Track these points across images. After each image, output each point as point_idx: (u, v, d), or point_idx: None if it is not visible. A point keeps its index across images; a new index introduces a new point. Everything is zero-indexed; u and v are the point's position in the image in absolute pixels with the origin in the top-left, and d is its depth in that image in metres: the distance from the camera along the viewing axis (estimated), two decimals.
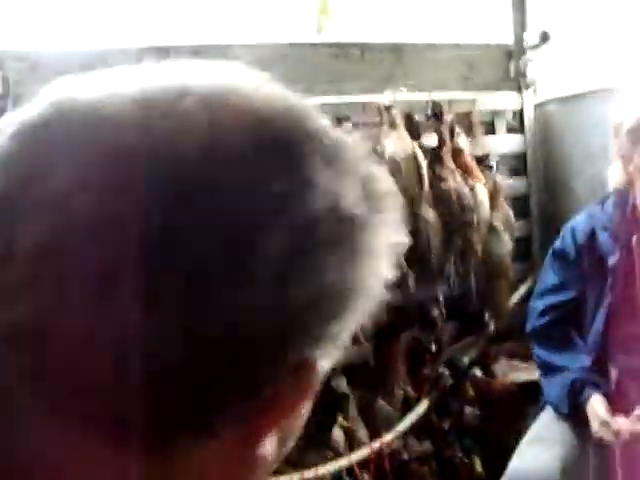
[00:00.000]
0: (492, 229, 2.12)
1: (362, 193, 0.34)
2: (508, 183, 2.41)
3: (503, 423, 2.05)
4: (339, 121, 2.01)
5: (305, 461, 1.94)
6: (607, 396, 1.51)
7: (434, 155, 2.06)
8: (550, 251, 1.77)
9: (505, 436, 2.03)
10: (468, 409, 2.10)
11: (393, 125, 2.05)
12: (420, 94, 2.22)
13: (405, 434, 2.05)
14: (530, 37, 2.47)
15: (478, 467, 2.13)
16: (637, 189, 1.54)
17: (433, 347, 2.12)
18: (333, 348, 0.35)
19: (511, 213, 2.23)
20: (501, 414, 1.98)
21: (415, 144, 2.04)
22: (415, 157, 1.99)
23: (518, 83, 2.50)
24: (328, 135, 0.34)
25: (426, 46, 2.40)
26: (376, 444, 1.98)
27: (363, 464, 1.99)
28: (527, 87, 2.49)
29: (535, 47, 2.47)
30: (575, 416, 1.55)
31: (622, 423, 1.44)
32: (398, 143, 2.01)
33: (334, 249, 0.32)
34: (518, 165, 2.51)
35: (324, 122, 0.35)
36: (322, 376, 0.37)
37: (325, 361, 0.36)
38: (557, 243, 1.75)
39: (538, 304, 1.75)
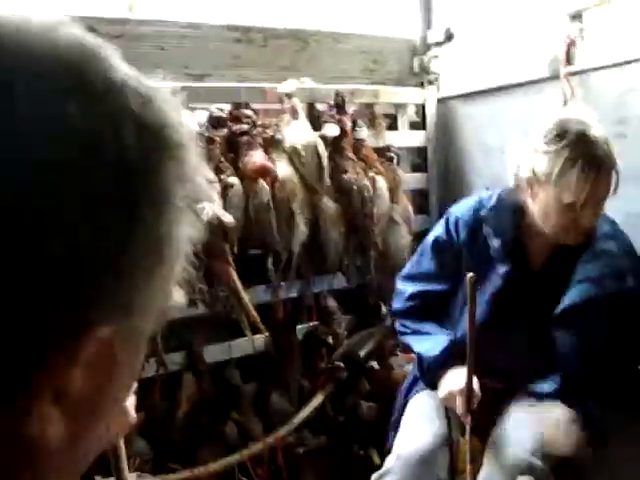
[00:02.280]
0: (391, 222, 2.12)
1: (149, 141, 0.33)
2: (409, 177, 2.43)
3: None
4: (238, 107, 1.96)
5: (197, 457, 1.88)
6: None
7: (335, 146, 2.03)
8: (431, 238, 1.75)
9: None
10: (364, 402, 2.10)
11: (294, 114, 2.01)
12: (323, 84, 2.19)
13: (300, 428, 2.02)
14: (434, 34, 2.50)
15: (375, 459, 2.14)
16: (530, 208, 1.57)
17: (330, 340, 2.10)
18: (141, 321, 0.35)
19: (410, 207, 2.25)
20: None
21: (316, 134, 2.01)
22: (316, 147, 1.95)
23: (421, 78, 2.52)
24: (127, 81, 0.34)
25: (331, 35, 2.37)
26: (270, 439, 1.94)
27: (257, 459, 1.95)
28: (430, 83, 2.52)
29: (439, 44, 2.50)
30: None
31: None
32: (299, 132, 1.97)
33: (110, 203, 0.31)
34: (419, 160, 2.54)
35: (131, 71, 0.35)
36: (138, 353, 0.38)
37: (138, 337, 0.36)
38: (440, 232, 1.73)
39: (408, 287, 1.75)
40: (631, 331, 1.53)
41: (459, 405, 1.52)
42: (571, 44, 1.99)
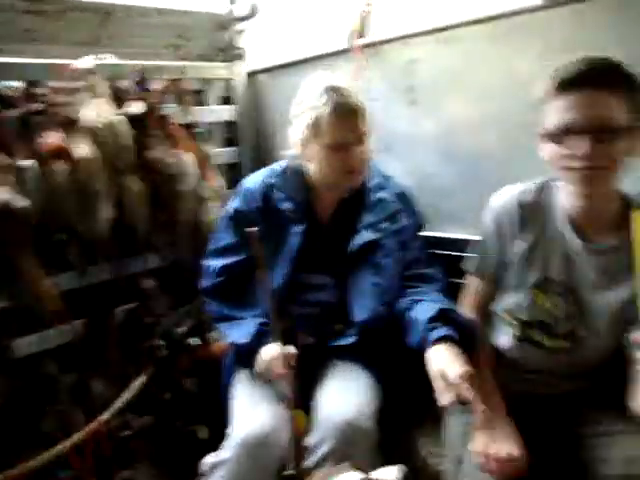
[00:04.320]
0: (200, 198, 2.12)
1: None
2: (220, 152, 2.44)
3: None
4: (33, 85, 1.85)
5: (13, 459, 1.79)
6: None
7: (139, 123, 1.98)
8: (228, 211, 1.85)
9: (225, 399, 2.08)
10: (186, 378, 2.12)
11: (94, 92, 1.94)
12: (126, 60, 2.13)
13: (124, 411, 1.99)
14: (239, 9, 2.51)
15: (203, 433, 2.16)
16: (309, 168, 1.76)
17: (149, 320, 2.08)
18: None
19: (221, 182, 2.26)
20: (220, 378, 2.00)
21: (118, 112, 1.95)
22: (117, 125, 1.89)
23: (228, 53, 2.52)
24: None
25: (134, 10, 2.29)
26: (91, 426, 1.88)
27: (80, 450, 1.89)
28: (237, 58, 2.53)
29: (244, 19, 2.52)
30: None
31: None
32: (99, 111, 1.90)
33: None
34: (230, 134, 2.56)
35: None
36: None
37: None
38: (235, 204, 1.84)
39: (214, 263, 1.83)
40: (413, 258, 1.77)
41: (275, 367, 1.57)
42: (364, 18, 2.09)
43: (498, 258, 1.52)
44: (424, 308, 1.58)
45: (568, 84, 1.25)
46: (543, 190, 1.45)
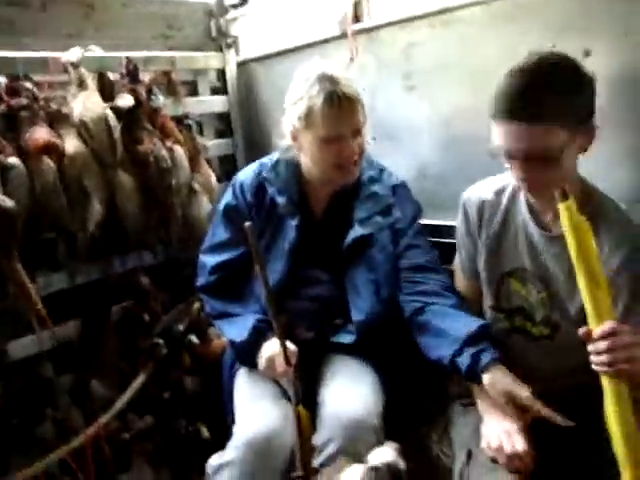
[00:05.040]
0: (192, 192, 2.07)
1: None
2: (214, 144, 2.38)
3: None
4: (17, 79, 1.79)
5: (10, 466, 1.74)
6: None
7: (129, 116, 1.92)
8: (221, 207, 1.80)
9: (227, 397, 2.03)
10: (187, 377, 2.07)
11: (82, 85, 1.87)
12: (114, 52, 2.06)
13: (124, 412, 1.94)
14: None
15: (205, 433, 2.12)
16: (302, 161, 1.71)
17: (147, 318, 2.03)
18: None
19: (212, 174, 2.20)
20: (221, 376, 1.96)
21: (107, 105, 1.89)
22: (106, 119, 1.83)
23: (220, 42, 2.47)
24: None
25: (119, 0, 2.23)
26: (91, 429, 1.84)
27: (81, 454, 1.84)
28: (228, 47, 2.47)
29: (235, 7, 2.46)
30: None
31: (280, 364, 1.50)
32: (88, 104, 1.84)
33: None
34: (223, 125, 2.50)
35: None
36: None
37: None
38: (228, 198, 1.79)
39: (208, 260, 1.79)
40: (408, 245, 1.68)
41: (278, 365, 1.51)
42: (357, 3, 2.04)
43: (472, 253, 1.51)
44: (454, 319, 1.48)
45: (500, 116, 1.21)
46: (509, 181, 1.43)
